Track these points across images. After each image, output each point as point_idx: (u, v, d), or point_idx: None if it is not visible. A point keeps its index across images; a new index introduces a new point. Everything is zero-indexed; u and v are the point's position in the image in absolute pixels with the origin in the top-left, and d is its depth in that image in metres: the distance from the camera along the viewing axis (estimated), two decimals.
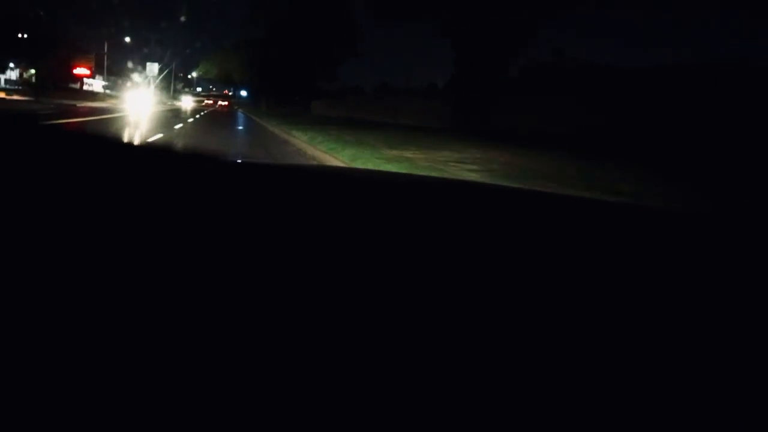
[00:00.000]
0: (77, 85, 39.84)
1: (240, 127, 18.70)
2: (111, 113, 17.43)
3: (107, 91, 50.22)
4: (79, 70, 35.88)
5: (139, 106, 25.64)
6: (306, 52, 32.21)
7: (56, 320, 0.43)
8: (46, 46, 29.99)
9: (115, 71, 53.50)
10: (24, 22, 30.41)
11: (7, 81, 38.87)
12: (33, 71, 37.83)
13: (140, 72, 59.50)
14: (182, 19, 66.48)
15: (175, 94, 58.18)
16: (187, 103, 43.81)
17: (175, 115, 22.54)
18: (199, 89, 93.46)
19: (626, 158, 8.90)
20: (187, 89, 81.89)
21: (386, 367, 0.42)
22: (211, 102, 50.23)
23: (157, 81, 60.18)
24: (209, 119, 22.06)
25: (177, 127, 14.31)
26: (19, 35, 30.61)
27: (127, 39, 35.69)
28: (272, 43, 34.50)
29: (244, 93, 66.88)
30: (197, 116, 23.57)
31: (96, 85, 58.48)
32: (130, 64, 44.92)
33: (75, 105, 21.30)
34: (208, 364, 0.40)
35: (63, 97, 24.41)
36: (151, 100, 32.48)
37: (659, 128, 11.48)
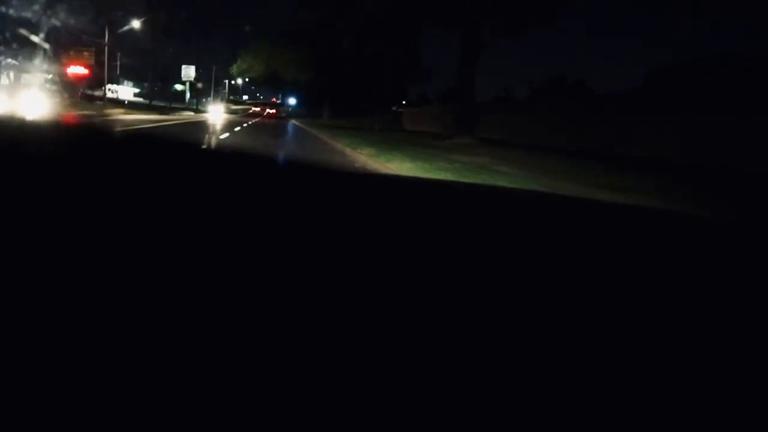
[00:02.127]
0: (94, 91, 29.48)
1: None
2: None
3: (133, 100, 41.35)
4: (74, 69, 24.82)
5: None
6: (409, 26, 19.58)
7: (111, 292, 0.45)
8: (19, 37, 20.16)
9: (148, 76, 44.69)
10: None
11: None
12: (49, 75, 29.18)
13: (176, 77, 51.03)
14: (246, 28, 58.00)
15: (211, 101, 48.81)
16: (216, 113, 32.73)
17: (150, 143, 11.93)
18: (245, 97, 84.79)
19: None
20: (232, 96, 72.91)
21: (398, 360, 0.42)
22: (258, 110, 47.19)
23: (194, 84, 51.12)
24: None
25: None
26: None
27: (136, 24, 25.29)
28: (343, 26, 23.63)
29: (292, 101, 55.79)
30: (209, 144, 12.82)
31: (123, 92, 49.19)
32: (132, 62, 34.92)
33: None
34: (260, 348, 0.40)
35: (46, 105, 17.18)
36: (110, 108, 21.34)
37: None
